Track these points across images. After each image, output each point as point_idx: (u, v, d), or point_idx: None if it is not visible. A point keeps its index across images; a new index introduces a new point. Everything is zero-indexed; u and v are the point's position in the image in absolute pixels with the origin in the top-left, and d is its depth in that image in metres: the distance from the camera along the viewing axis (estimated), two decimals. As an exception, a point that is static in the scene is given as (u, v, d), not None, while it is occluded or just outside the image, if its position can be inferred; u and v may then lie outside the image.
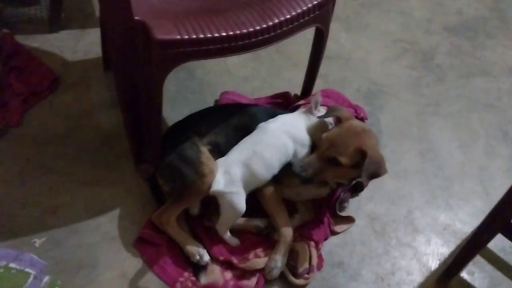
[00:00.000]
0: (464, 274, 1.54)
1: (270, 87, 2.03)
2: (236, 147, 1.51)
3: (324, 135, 1.46)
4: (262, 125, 1.55)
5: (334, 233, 1.60)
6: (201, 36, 1.30)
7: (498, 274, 1.55)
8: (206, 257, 1.46)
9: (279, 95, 1.96)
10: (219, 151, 1.52)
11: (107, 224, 1.56)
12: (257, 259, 1.48)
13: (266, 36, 1.39)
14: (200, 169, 1.45)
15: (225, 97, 1.91)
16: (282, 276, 1.47)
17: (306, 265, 1.48)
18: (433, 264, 1.57)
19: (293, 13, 1.42)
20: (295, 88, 1.93)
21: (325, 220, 1.59)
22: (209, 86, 2.02)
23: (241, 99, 1.93)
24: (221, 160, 1.49)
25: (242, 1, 1.48)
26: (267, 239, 1.54)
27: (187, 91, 1.99)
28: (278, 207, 1.51)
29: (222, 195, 1.44)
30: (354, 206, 1.68)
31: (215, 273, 1.47)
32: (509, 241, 1.35)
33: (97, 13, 2.21)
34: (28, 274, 1.30)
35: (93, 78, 2.00)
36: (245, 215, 1.48)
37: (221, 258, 1.48)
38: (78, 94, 1.93)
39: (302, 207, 1.60)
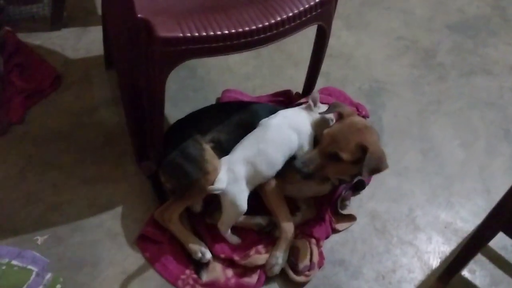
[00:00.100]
0: (465, 273, 1.54)
1: (272, 85, 2.03)
2: (239, 145, 1.51)
3: (325, 131, 1.46)
4: (264, 121, 1.55)
5: (335, 231, 1.61)
6: (203, 34, 1.30)
7: (499, 273, 1.55)
8: (208, 255, 1.46)
9: (280, 93, 1.96)
10: (221, 149, 1.53)
11: (110, 221, 1.56)
12: (258, 255, 1.48)
13: (268, 34, 1.39)
14: (204, 166, 1.45)
15: (226, 95, 1.92)
16: (282, 273, 1.48)
17: (307, 261, 1.48)
18: (434, 262, 1.57)
19: (295, 11, 1.42)
20: (297, 86, 1.93)
21: (327, 218, 1.59)
22: (211, 84, 2.02)
23: (243, 97, 1.93)
24: (225, 159, 1.49)
25: (244, -1, 1.49)
26: (268, 236, 1.54)
27: (188, 89, 2.00)
28: (279, 203, 1.52)
29: (225, 193, 1.44)
30: (355, 204, 1.69)
31: (217, 270, 1.47)
32: (510, 240, 1.35)
33: (99, 11, 2.21)
34: (31, 271, 1.31)
35: (95, 76, 2.00)
36: (247, 213, 1.49)
37: (223, 256, 1.49)
38: (80, 92, 1.93)
39: (303, 205, 1.60)
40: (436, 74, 2.19)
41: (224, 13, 1.38)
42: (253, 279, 1.45)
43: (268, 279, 1.47)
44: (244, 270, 1.47)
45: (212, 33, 1.31)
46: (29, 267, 1.32)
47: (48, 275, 1.35)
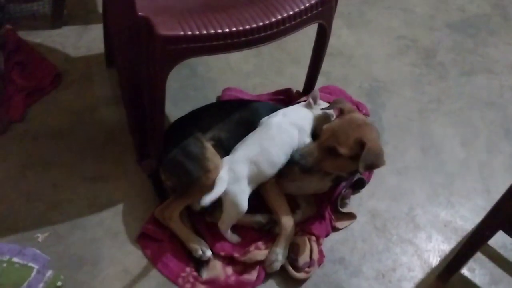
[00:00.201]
0: (464, 271, 1.55)
1: (272, 83, 2.03)
2: (241, 144, 1.51)
3: (325, 125, 1.47)
4: (265, 119, 1.56)
5: (335, 229, 1.61)
6: (204, 32, 1.30)
7: (498, 271, 1.55)
8: (209, 253, 1.46)
9: (281, 91, 1.96)
10: (222, 147, 1.53)
11: (110, 219, 1.57)
12: (258, 251, 1.48)
13: (269, 32, 1.39)
14: (205, 164, 1.45)
15: (227, 93, 1.92)
16: (282, 269, 1.48)
17: (307, 257, 1.48)
18: (434, 260, 1.58)
19: (296, 10, 1.43)
20: (297, 85, 1.93)
21: (327, 216, 1.59)
22: (211, 83, 2.02)
23: (243, 95, 1.93)
24: (227, 159, 1.49)
25: (245, -3, 1.49)
26: (268, 234, 1.54)
27: (189, 88, 2.00)
28: (280, 200, 1.52)
29: (226, 193, 1.44)
30: (355, 203, 1.69)
31: (217, 268, 1.47)
32: (510, 238, 1.35)
33: (100, 9, 2.21)
34: (31, 268, 1.31)
35: (96, 74, 2.00)
36: (247, 211, 1.49)
37: (223, 253, 1.49)
38: (81, 90, 1.93)
39: (303, 202, 1.60)
40: (437, 73, 2.19)
41: (224, 12, 1.38)
42: (252, 275, 1.45)
43: (268, 276, 1.47)
44: (244, 267, 1.47)
45: (212, 31, 1.31)
46: (30, 264, 1.32)
47: (49, 273, 1.35)
